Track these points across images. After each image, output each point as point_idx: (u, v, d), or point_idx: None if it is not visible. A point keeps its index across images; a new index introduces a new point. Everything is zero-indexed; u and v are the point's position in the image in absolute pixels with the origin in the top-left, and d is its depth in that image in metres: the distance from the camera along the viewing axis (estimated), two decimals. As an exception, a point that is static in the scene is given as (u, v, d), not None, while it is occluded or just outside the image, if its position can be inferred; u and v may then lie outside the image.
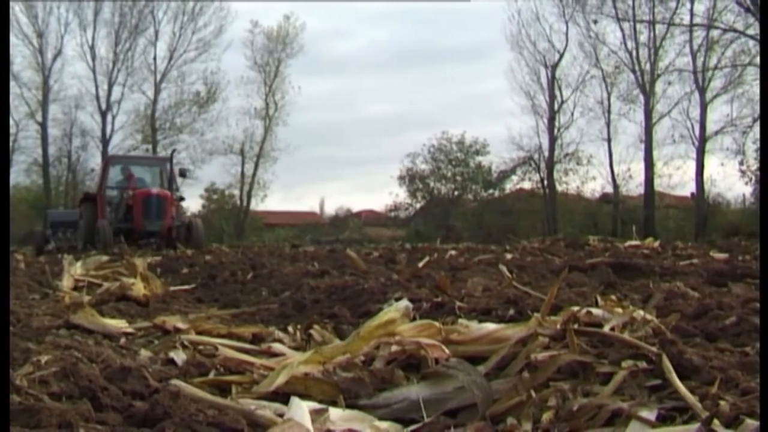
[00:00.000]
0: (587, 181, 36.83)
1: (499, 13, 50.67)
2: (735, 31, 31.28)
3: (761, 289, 4.12)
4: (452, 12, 60.35)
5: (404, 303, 3.05)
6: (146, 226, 19.56)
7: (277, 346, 3.34)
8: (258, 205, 40.56)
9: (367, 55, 62.68)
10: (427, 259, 7.33)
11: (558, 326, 2.78)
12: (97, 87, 39.52)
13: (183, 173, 23.57)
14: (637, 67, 34.50)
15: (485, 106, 59.07)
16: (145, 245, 19.88)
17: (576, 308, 3.00)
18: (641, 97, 34.48)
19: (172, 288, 6.26)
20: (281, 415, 2.16)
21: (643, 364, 2.41)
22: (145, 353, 3.25)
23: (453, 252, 10.56)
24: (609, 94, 35.70)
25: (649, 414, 2.10)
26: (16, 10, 36.84)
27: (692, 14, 33.07)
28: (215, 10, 39.75)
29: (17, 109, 37.22)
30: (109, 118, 39.80)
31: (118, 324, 4.09)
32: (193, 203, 38.24)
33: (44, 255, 18.49)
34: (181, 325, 3.97)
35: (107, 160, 22.82)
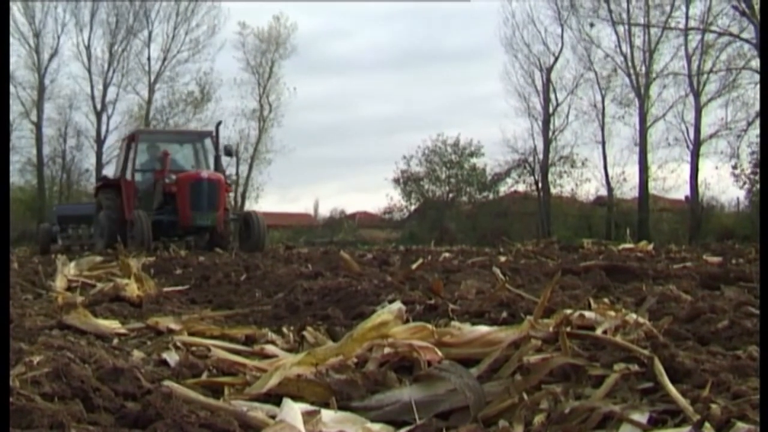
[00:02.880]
0: (581, 183, 36.86)
1: (496, 15, 50.64)
2: (730, 34, 31.34)
3: (761, 290, 4.14)
4: (451, 13, 60.39)
5: (397, 305, 3.05)
6: (195, 219, 15.80)
7: (269, 348, 3.34)
8: (252, 206, 40.57)
9: (365, 56, 62.77)
10: (420, 261, 7.34)
11: (551, 329, 2.79)
12: (92, 87, 39.50)
13: (229, 151, 18.17)
14: (631, 71, 34.52)
15: (481, 108, 59.21)
16: (181, 242, 16.83)
17: (569, 311, 3.00)
18: (636, 101, 34.52)
19: (166, 289, 6.25)
20: (273, 417, 2.16)
21: (635, 367, 2.42)
22: (137, 354, 3.24)
23: (447, 254, 10.56)
24: (604, 97, 35.73)
25: (641, 417, 2.10)
26: (14, 10, 36.79)
27: (687, 18, 33.14)
28: (208, 9, 39.70)
29: (12, 109, 37.11)
30: (104, 118, 39.70)
31: (111, 325, 4.09)
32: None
33: (49, 255, 15.94)
34: (174, 326, 3.97)
35: (132, 137, 18.01)
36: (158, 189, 16.35)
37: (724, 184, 47.30)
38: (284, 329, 3.88)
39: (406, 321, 3.08)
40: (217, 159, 17.15)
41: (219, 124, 18.40)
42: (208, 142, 18.06)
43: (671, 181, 34.59)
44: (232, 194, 18.73)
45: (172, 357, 3.07)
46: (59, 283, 6.62)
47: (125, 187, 17.05)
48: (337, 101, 60.53)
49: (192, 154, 18.36)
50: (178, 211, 16.03)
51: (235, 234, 16.90)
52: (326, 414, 2.21)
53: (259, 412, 2.21)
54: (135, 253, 12.90)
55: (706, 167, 33.93)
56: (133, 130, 19.14)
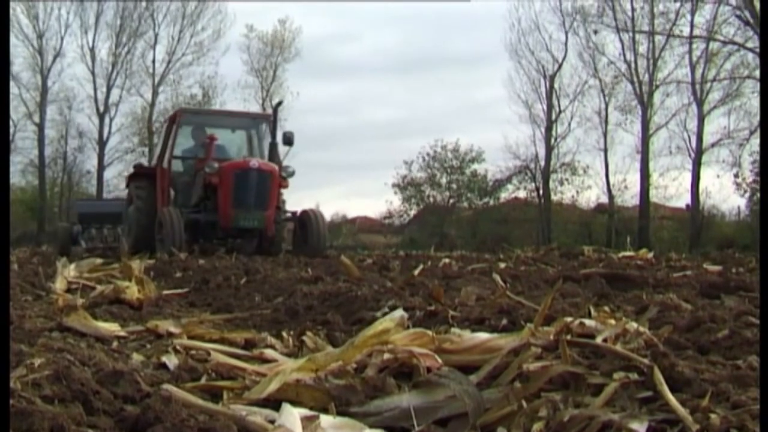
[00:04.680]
0: (583, 191, 36.90)
1: (501, 21, 50.75)
2: (734, 43, 31.39)
3: (761, 299, 4.13)
4: (455, 18, 60.45)
5: (399, 313, 3.05)
6: (238, 219, 13.16)
7: (269, 352, 3.34)
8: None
9: (369, 60, 62.72)
10: (421, 267, 7.34)
11: (551, 337, 2.79)
12: (95, 89, 39.59)
13: (289, 139, 14.82)
14: (635, 78, 34.58)
15: (484, 113, 59.24)
16: (220, 246, 13.86)
17: (569, 319, 3.00)
18: (639, 108, 34.57)
19: (165, 292, 6.25)
20: (272, 422, 2.16)
21: (634, 376, 2.42)
22: (137, 357, 3.24)
23: (447, 260, 10.55)
24: (607, 105, 35.85)
25: (640, 426, 2.10)
26: (17, 11, 36.88)
27: (692, 26, 33.20)
28: (213, 13, 39.78)
29: (15, 110, 37.27)
30: (106, 120, 39.75)
31: (111, 327, 4.09)
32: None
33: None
34: (173, 330, 3.97)
35: (173, 117, 15.03)
36: (198, 181, 13.81)
37: (726, 193, 47.49)
38: (284, 334, 3.87)
39: (407, 327, 3.07)
40: (272, 147, 14.24)
41: (279, 103, 15.28)
42: (264, 127, 15.13)
43: (672, 189, 34.71)
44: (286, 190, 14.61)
45: (171, 360, 3.07)
46: (59, 284, 6.62)
47: (160, 176, 14.37)
48: (341, 105, 60.64)
49: (245, 142, 15.56)
50: (218, 209, 13.42)
51: (287, 236, 14.58)
52: (325, 419, 2.21)
53: (258, 416, 2.21)
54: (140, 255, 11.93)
55: (707, 176, 34.07)
56: (176, 110, 15.76)
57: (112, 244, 16.39)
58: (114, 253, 13.71)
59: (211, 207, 13.59)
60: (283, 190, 14.33)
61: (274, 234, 13.92)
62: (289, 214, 14.48)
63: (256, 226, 13.47)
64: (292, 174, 14.20)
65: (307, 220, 13.94)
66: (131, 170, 16.53)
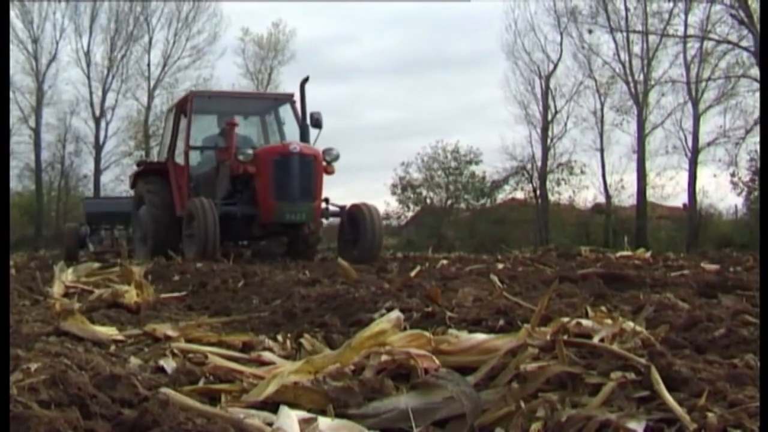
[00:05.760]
0: (580, 191, 36.93)
1: (497, 22, 50.80)
2: (729, 42, 31.41)
3: (761, 298, 4.14)
4: (453, 20, 60.34)
5: (396, 314, 3.05)
6: (283, 212, 11.44)
7: (267, 355, 3.34)
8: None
9: (369, 62, 62.66)
10: (418, 268, 7.34)
11: (548, 337, 2.79)
12: (91, 93, 39.58)
13: (317, 121, 12.52)
14: (630, 78, 34.60)
15: (484, 114, 59.30)
16: (251, 245, 12.99)
17: (566, 319, 3.00)
18: (634, 108, 34.59)
19: (163, 295, 6.25)
20: (270, 424, 2.16)
21: (632, 376, 2.42)
22: (134, 361, 3.24)
23: (444, 261, 10.55)
24: (602, 105, 35.86)
25: (637, 425, 2.10)
26: (12, 15, 36.83)
27: (686, 25, 33.21)
28: (209, 16, 39.78)
29: (11, 114, 37.15)
30: (102, 124, 39.73)
31: (109, 331, 4.08)
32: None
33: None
34: (171, 333, 3.96)
35: (184, 102, 13.28)
36: (223, 173, 12.11)
37: (722, 192, 47.62)
38: (281, 336, 3.87)
39: (404, 329, 3.07)
40: (303, 129, 12.41)
41: (306, 79, 12.49)
42: (285, 110, 13.46)
43: (669, 188, 34.70)
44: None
45: (169, 364, 3.07)
46: (57, 289, 6.61)
47: (175, 172, 12.79)
48: (339, 107, 60.47)
49: (260, 127, 14.08)
50: (257, 201, 11.62)
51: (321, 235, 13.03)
52: (323, 421, 2.21)
53: (256, 419, 2.21)
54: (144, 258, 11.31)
55: (704, 175, 34.09)
56: (189, 93, 13.88)
57: (122, 248, 14.37)
58: (120, 257, 12.12)
59: (246, 200, 11.74)
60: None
61: (313, 232, 12.51)
62: (336, 208, 12.45)
63: (304, 219, 11.81)
64: (336, 158, 12.19)
65: (358, 215, 11.89)
66: (135, 169, 14.88)
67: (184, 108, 13.10)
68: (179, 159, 12.98)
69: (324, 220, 13.04)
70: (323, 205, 12.14)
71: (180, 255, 11.30)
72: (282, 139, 12.93)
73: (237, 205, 11.76)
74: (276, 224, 11.90)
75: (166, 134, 14.35)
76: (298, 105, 12.87)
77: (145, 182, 13.18)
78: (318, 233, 12.91)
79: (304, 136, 12.36)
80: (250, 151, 11.72)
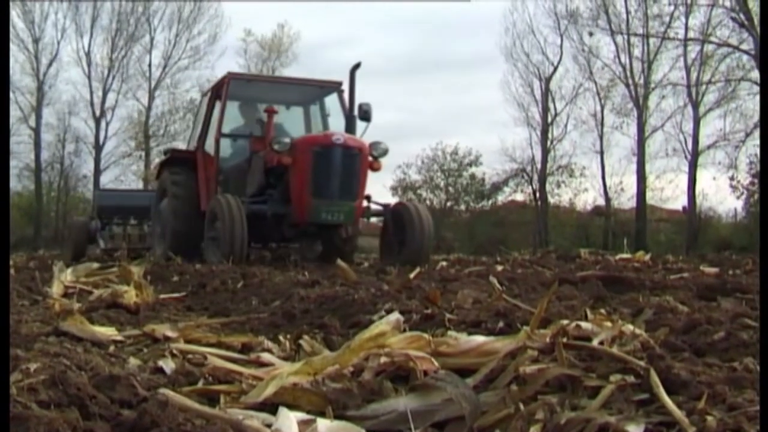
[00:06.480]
0: (579, 193, 36.96)
1: (498, 24, 50.86)
2: (729, 45, 31.43)
3: (761, 301, 4.14)
4: (454, 22, 60.43)
5: (395, 316, 3.05)
6: (319, 211, 10.17)
7: (266, 356, 3.34)
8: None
9: (369, 64, 62.55)
10: (417, 270, 7.33)
11: (547, 340, 2.79)
12: (91, 93, 39.58)
13: (366, 113, 11.22)
14: (630, 81, 34.62)
15: (482, 116, 59.31)
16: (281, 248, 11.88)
17: (565, 322, 3.00)
18: (634, 111, 34.61)
19: (162, 296, 6.25)
20: (269, 426, 2.16)
21: (631, 379, 2.42)
22: (134, 361, 3.24)
23: (444, 263, 10.56)
24: (602, 107, 35.92)
25: (636, 428, 2.10)
26: (13, 15, 36.85)
27: (687, 28, 33.23)
28: (210, 17, 39.78)
29: (10, 114, 37.15)
30: (102, 124, 39.74)
31: (108, 332, 4.08)
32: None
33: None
34: (170, 334, 3.96)
35: (221, 84, 11.83)
36: (256, 165, 10.87)
37: (722, 195, 47.57)
38: (281, 337, 3.87)
39: (403, 330, 3.07)
40: (349, 120, 11.10)
41: (357, 65, 11.07)
42: (331, 100, 12.30)
43: (669, 191, 34.74)
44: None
45: (168, 365, 3.07)
46: (56, 289, 6.60)
47: (204, 162, 11.54)
48: (338, 108, 60.45)
49: (302, 118, 12.75)
50: (290, 198, 10.34)
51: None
52: (322, 423, 2.21)
53: (255, 420, 2.21)
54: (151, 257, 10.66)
55: (703, 178, 34.04)
56: (225, 75, 12.08)
57: (137, 245, 14.03)
58: (135, 256, 11.83)
59: (278, 197, 10.48)
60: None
61: (350, 235, 11.37)
62: (378, 207, 11.22)
63: (343, 220, 10.50)
64: (385, 153, 10.87)
65: (405, 215, 10.62)
66: (163, 157, 13.43)
67: (219, 92, 11.83)
68: (210, 149, 11.76)
69: (364, 220, 12.04)
70: (364, 203, 10.94)
71: (200, 257, 10.44)
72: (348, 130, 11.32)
73: (267, 203, 10.54)
74: (310, 224, 10.63)
75: (198, 120, 12.93)
76: (345, 95, 11.77)
77: (170, 172, 11.94)
78: (356, 236, 11.92)
79: (350, 129, 11.05)
80: (287, 140, 10.38)
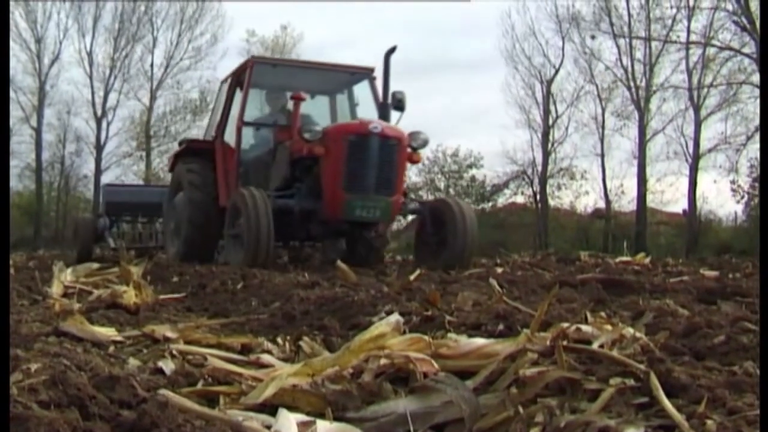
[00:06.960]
0: (580, 196, 36.95)
1: (496, 27, 50.92)
2: (731, 49, 31.40)
3: (761, 305, 4.13)
4: (457, 22, 60.43)
5: (395, 318, 3.04)
6: (353, 207, 9.21)
7: (265, 357, 3.34)
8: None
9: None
10: (418, 271, 7.33)
11: (547, 342, 2.79)
12: (93, 93, 39.52)
13: (399, 102, 10.24)
14: (632, 84, 34.61)
15: (483, 118, 59.33)
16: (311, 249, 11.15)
17: (565, 325, 3.00)
18: (636, 114, 34.59)
19: (162, 296, 6.25)
20: (269, 427, 2.17)
21: (631, 382, 2.42)
22: (133, 362, 3.24)
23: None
24: (603, 110, 35.86)
25: (636, 432, 2.10)
26: (16, 15, 36.87)
27: (689, 32, 33.20)
28: (212, 18, 39.78)
29: (12, 114, 37.13)
30: (104, 124, 39.72)
31: (108, 332, 4.08)
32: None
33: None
34: (170, 334, 3.96)
35: (243, 69, 10.93)
36: (281, 156, 9.97)
37: (723, 198, 47.56)
38: (280, 339, 3.87)
39: (403, 332, 3.07)
40: (383, 108, 10.10)
41: (393, 49, 10.05)
42: (362, 88, 11.33)
43: (669, 194, 34.73)
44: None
45: (167, 365, 3.07)
46: (56, 289, 6.61)
47: (223, 153, 10.61)
48: (339, 110, 60.47)
49: (327, 108, 11.81)
50: (320, 192, 9.41)
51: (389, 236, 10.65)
52: (321, 424, 2.21)
53: (254, 422, 2.21)
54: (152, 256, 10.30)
55: (704, 181, 34.05)
56: (249, 59, 11.30)
57: (148, 244, 13.27)
58: (144, 255, 10.91)
59: (306, 191, 9.52)
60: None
61: (380, 234, 10.42)
62: (416, 204, 10.50)
63: (379, 217, 9.53)
64: (425, 144, 10.03)
65: (447, 212, 9.70)
66: (177, 148, 12.45)
67: (241, 78, 10.86)
68: (230, 139, 10.79)
69: (402, 219, 10.79)
70: (401, 199, 9.89)
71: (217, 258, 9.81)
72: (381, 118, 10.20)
73: (294, 198, 9.57)
74: (341, 222, 9.67)
75: (217, 108, 11.84)
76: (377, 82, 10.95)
77: (185, 164, 10.96)
78: (387, 235, 10.94)
79: (383, 119, 10.01)
80: (319, 128, 9.50)
